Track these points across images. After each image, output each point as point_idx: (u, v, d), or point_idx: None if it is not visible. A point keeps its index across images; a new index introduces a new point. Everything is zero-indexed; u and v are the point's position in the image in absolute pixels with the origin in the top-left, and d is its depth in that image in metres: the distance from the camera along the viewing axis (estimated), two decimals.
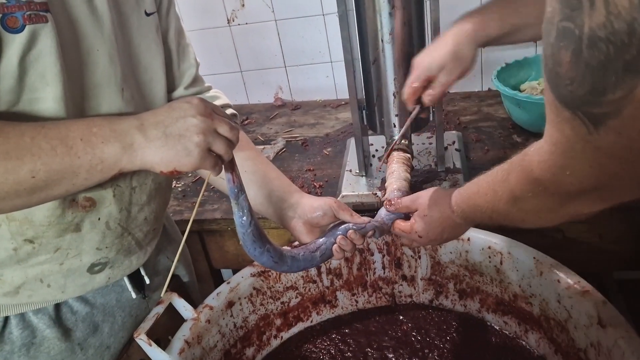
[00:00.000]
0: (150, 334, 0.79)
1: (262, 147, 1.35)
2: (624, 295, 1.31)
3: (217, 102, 0.86)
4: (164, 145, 0.59)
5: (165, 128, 0.59)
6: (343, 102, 1.54)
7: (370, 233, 0.80)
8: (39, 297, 0.71)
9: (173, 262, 0.91)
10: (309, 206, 0.80)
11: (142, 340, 0.77)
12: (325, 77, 1.56)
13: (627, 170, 0.43)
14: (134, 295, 0.82)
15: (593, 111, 0.40)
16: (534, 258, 0.84)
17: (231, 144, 0.64)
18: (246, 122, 1.53)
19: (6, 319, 0.72)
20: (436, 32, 0.91)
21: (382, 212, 0.82)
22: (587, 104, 0.40)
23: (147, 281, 0.84)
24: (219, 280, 1.28)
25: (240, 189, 0.69)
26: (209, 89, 0.89)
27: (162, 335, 0.84)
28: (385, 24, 0.89)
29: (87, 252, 0.71)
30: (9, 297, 0.70)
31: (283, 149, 1.34)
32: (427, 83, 0.82)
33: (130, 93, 0.69)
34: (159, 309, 0.83)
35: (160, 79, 0.76)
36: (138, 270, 0.81)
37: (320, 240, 0.80)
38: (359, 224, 0.79)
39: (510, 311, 0.92)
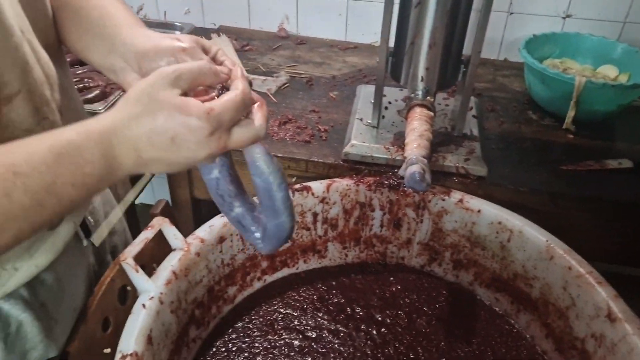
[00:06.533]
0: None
1: (263, 78, 1.25)
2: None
3: None
4: (170, 171, 0.53)
5: (170, 163, 0.50)
6: (352, 46, 1.45)
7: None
8: (10, 286, 0.62)
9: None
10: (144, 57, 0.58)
11: (128, 265, 0.70)
12: (338, 14, 1.45)
13: None
14: (85, 243, 0.74)
15: None
16: (547, 241, 0.81)
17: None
18: (247, 48, 1.42)
19: None
20: None
21: None
22: None
23: (92, 221, 0.77)
24: (197, 209, 1.21)
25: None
26: None
27: (146, 262, 0.77)
28: None
29: None
30: None
31: (286, 83, 1.25)
32: None
33: None
34: (149, 234, 0.76)
35: None
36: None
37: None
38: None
39: (505, 289, 0.90)
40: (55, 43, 0.64)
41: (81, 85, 1.16)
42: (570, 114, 1.06)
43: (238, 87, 0.51)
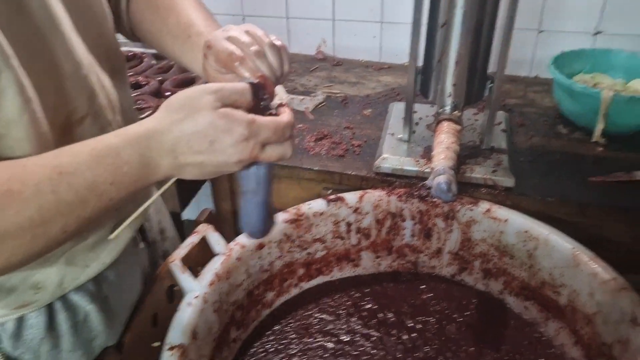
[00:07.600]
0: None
1: (301, 97, 1.33)
2: None
3: None
4: (200, 176, 0.55)
5: (202, 168, 0.53)
6: (386, 66, 1.51)
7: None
8: (81, 280, 0.70)
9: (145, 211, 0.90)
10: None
11: (176, 265, 0.77)
12: (372, 37, 1.52)
13: None
14: (141, 246, 0.82)
15: None
16: (573, 248, 0.83)
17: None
18: None
19: (50, 306, 0.69)
20: (514, 3, 0.88)
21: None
22: None
23: (147, 227, 0.85)
24: (238, 220, 1.28)
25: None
26: None
27: (191, 264, 0.84)
28: None
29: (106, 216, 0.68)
30: (58, 290, 0.68)
31: (323, 102, 1.32)
32: None
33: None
34: (194, 239, 0.83)
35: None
36: None
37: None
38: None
39: (533, 297, 0.92)
40: (120, 70, 0.73)
41: (135, 107, 1.26)
42: (599, 127, 1.08)
43: (284, 117, 0.56)
